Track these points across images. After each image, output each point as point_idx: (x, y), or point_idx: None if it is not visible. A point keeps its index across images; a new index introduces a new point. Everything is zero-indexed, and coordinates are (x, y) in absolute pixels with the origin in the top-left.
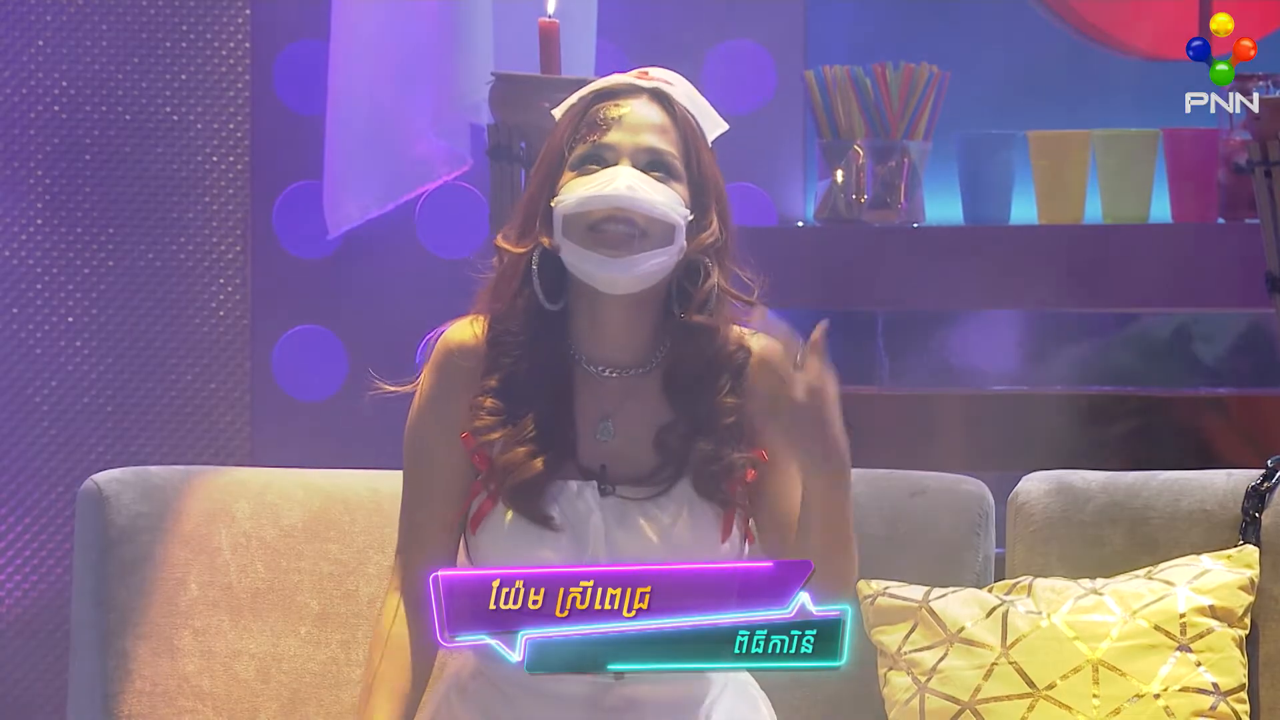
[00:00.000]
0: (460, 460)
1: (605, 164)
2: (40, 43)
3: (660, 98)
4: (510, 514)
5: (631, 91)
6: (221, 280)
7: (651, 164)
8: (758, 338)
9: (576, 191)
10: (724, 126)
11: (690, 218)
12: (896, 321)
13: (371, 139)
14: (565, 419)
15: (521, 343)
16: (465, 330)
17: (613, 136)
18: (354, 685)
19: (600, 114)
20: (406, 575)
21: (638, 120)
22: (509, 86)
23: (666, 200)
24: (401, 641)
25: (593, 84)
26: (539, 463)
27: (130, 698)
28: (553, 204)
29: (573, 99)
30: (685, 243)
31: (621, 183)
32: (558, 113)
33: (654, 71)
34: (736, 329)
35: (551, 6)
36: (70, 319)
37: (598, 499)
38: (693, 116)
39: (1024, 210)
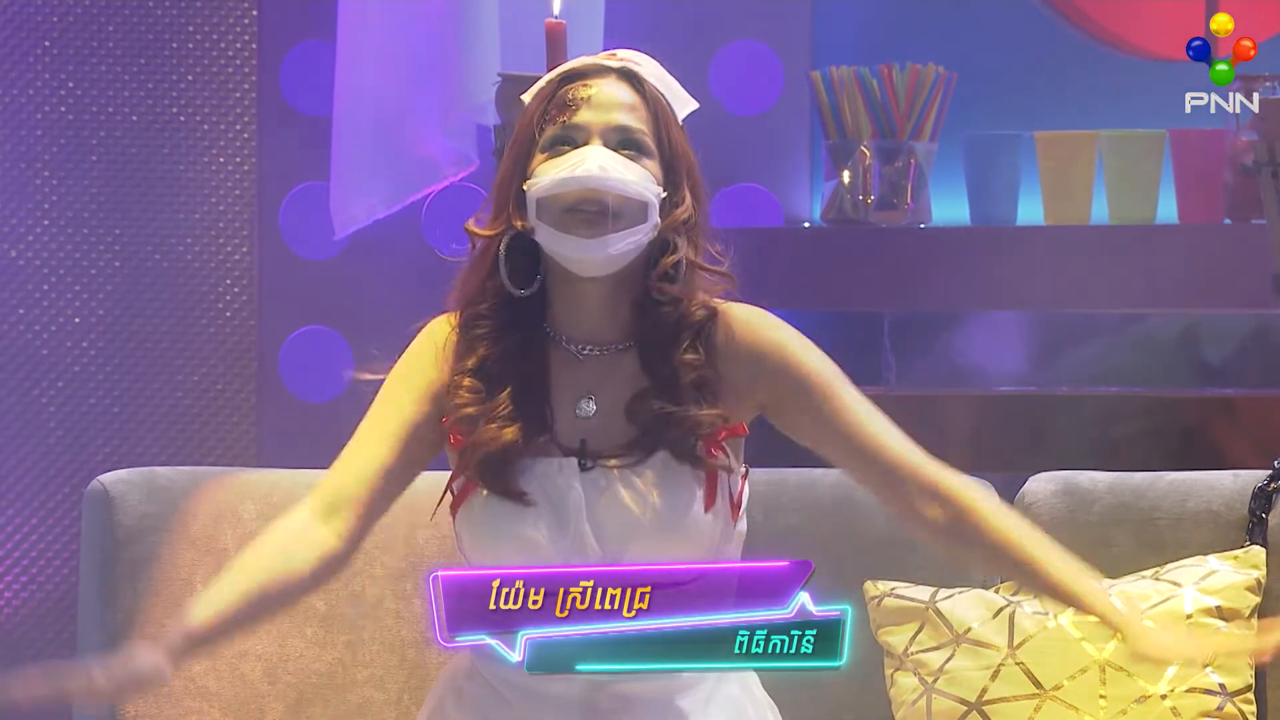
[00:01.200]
0: (421, 430)
1: (576, 144)
2: (47, 43)
3: (629, 76)
4: (486, 492)
5: (600, 71)
6: (228, 281)
7: (623, 142)
8: (728, 307)
9: (549, 174)
10: (694, 105)
11: (663, 194)
12: (903, 322)
13: (378, 140)
14: (541, 397)
15: (496, 325)
16: (443, 324)
17: (582, 116)
18: (361, 686)
19: (569, 94)
20: (327, 486)
21: (607, 99)
22: (515, 87)
23: (638, 179)
24: (294, 526)
25: (560, 66)
26: (508, 433)
27: (136, 698)
28: (525, 187)
29: (540, 82)
30: (660, 219)
31: (593, 163)
32: (526, 97)
33: (621, 53)
34: (702, 296)
35: (557, 7)
36: (77, 320)
37: (578, 474)
38: (662, 94)
39: (1030, 211)
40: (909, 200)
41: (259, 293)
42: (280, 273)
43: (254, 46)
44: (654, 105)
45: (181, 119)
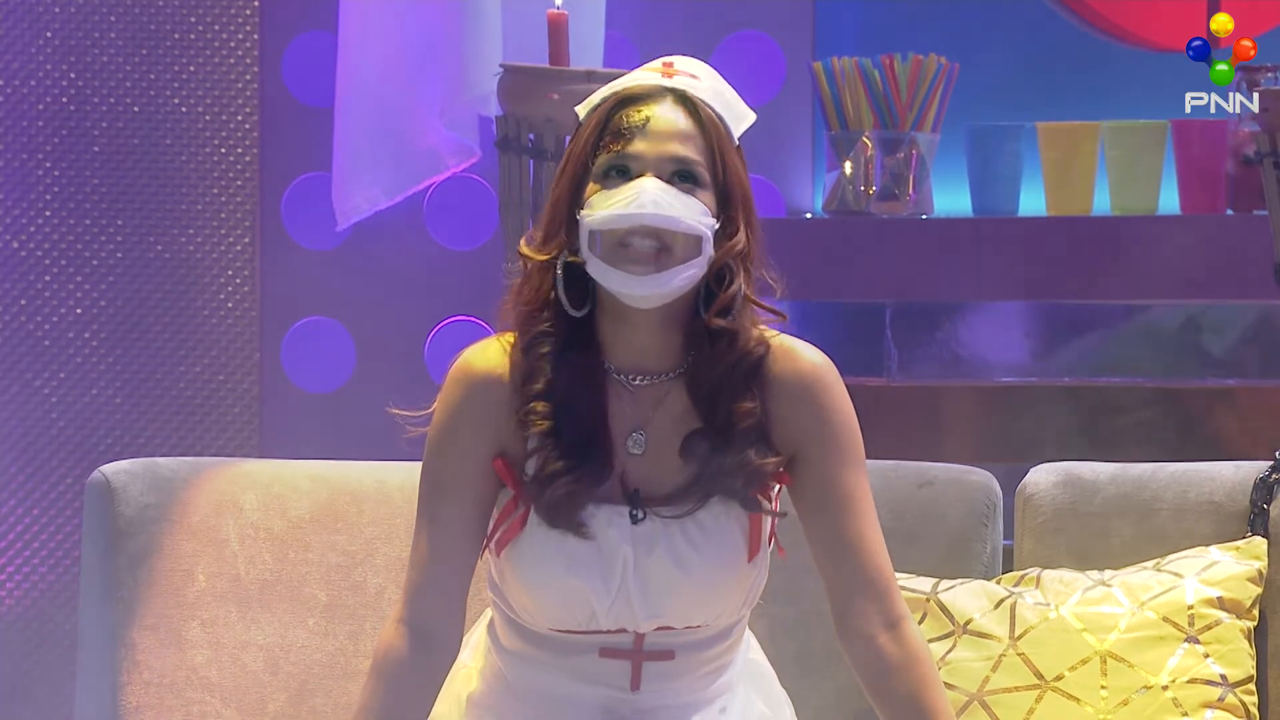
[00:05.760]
0: (481, 492)
1: (630, 175)
2: (49, 34)
3: (685, 101)
4: (538, 537)
5: (656, 94)
6: (230, 272)
7: (678, 173)
8: (782, 341)
9: (600, 209)
10: (751, 118)
11: (717, 226)
12: (905, 313)
13: (380, 131)
14: (600, 434)
15: (554, 353)
16: (491, 353)
17: (637, 146)
18: (362, 676)
19: (624, 120)
20: (415, 607)
21: (662, 127)
22: (517, 78)
23: (693, 213)
24: (401, 672)
25: (615, 84)
26: (576, 480)
27: (138, 689)
28: (578, 215)
29: (595, 99)
30: (713, 251)
31: (647, 198)
32: (581, 111)
33: (679, 63)
34: (757, 330)
35: None
36: (79, 310)
37: (629, 526)
38: (719, 117)
39: (1032, 201)
40: (911, 191)
41: (261, 283)
42: (282, 263)
43: (256, 37)
44: (710, 132)
45: (183, 109)
